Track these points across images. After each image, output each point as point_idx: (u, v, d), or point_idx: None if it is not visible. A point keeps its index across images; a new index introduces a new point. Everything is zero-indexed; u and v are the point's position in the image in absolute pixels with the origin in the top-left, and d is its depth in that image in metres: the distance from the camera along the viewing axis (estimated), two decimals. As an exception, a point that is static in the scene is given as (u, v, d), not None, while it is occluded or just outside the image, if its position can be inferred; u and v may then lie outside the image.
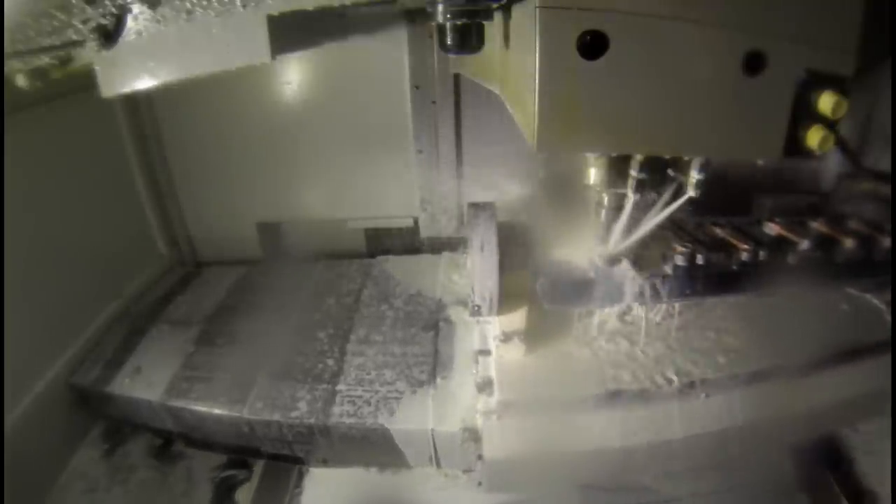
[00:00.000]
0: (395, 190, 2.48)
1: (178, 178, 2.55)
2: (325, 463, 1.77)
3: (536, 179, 1.77)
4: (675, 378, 1.54)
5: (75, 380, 1.91)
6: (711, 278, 1.47)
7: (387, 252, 2.56)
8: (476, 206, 1.44)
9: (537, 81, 0.85)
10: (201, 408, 1.75)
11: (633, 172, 1.25)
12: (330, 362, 1.87)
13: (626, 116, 0.90)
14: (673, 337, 1.66)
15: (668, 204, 1.32)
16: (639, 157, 1.23)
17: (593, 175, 1.31)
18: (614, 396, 1.52)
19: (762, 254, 1.47)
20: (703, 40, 0.86)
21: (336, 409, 1.68)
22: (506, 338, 1.57)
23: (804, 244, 1.52)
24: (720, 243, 1.53)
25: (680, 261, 1.42)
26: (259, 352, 1.92)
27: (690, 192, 1.24)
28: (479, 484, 1.65)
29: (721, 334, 1.67)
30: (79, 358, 1.98)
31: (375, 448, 1.67)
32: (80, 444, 1.91)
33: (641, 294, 1.43)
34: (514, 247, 1.43)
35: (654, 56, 0.86)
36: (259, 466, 1.82)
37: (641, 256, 1.44)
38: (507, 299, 1.47)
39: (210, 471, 1.82)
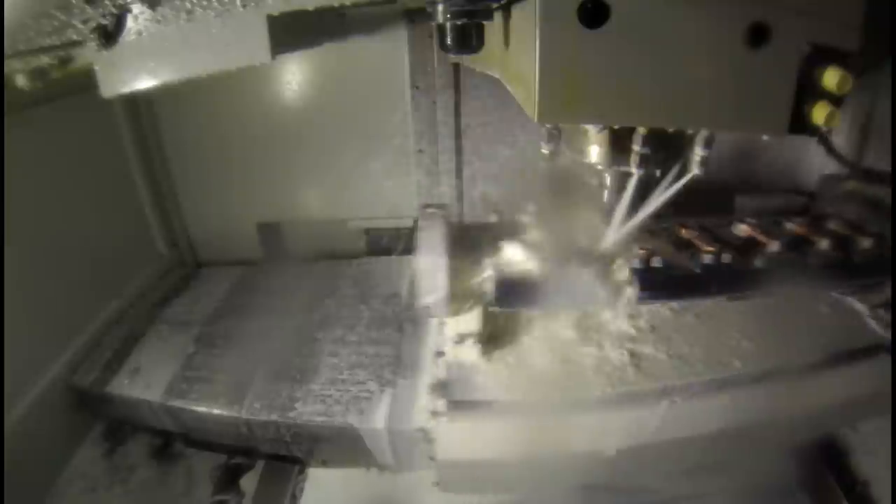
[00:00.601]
0: (395, 190, 2.47)
1: (178, 178, 2.55)
2: (324, 464, 1.77)
3: (536, 178, 1.76)
4: (638, 380, 1.47)
5: (75, 380, 1.91)
6: (672, 281, 1.42)
7: (387, 252, 2.56)
8: (426, 208, 1.43)
9: (538, 50, 0.84)
10: (201, 408, 1.75)
11: (636, 147, 1.20)
12: (325, 362, 1.86)
13: (628, 86, 0.88)
14: (637, 338, 1.57)
15: (672, 183, 1.28)
16: (641, 132, 1.18)
17: (595, 152, 1.27)
18: (577, 400, 1.46)
19: (726, 256, 1.43)
20: (706, 10, 0.84)
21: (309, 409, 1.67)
22: (460, 339, 1.55)
23: (774, 246, 1.47)
24: (684, 245, 1.49)
25: (636, 263, 1.38)
26: (259, 352, 1.91)
27: (695, 170, 1.21)
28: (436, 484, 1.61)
29: (682, 337, 1.57)
30: (78, 358, 1.97)
31: (346, 447, 1.65)
32: (80, 444, 1.91)
33: (597, 296, 1.40)
34: (464, 248, 1.41)
35: (656, 25, 0.85)
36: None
37: (597, 259, 1.41)
38: (462, 300, 1.44)
39: (210, 470, 1.82)
